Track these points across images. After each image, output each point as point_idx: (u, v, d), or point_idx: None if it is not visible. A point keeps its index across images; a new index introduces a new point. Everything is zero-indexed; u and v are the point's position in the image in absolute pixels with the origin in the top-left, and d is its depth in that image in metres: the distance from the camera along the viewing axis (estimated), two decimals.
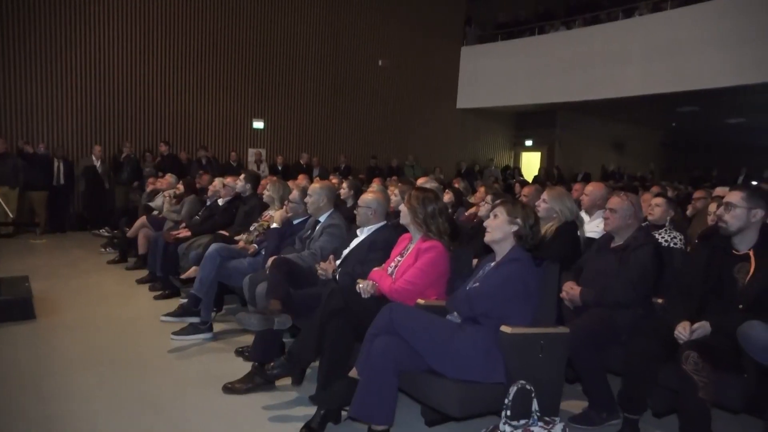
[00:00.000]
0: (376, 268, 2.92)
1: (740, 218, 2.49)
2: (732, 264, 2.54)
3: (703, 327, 2.39)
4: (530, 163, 16.89)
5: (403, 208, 2.95)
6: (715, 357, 2.27)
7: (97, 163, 9.44)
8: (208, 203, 5.72)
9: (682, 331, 2.40)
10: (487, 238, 2.53)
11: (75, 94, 9.86)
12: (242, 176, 5.28)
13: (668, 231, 3.80)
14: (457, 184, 6.95)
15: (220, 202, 5.49)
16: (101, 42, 10.01)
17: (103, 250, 7.19)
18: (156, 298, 4.93)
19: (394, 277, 2.81)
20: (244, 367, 3.21)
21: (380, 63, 13.65)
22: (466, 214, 5.32)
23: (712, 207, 3.72)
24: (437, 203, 2.92)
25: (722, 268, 2.55)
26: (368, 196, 3.42)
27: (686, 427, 2.31)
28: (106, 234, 7.55)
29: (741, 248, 2.55)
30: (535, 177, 13.93)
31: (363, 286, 2.78)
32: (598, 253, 3.09)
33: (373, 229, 3.33)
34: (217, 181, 5.71)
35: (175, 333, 3.86)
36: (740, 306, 2.41)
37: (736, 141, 19.06)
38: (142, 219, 6.28)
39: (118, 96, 10.31)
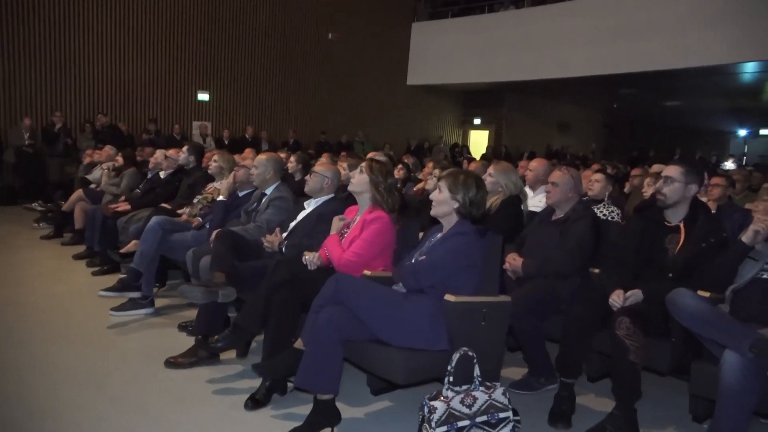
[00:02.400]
0: (332, 234, 2.89)
1: (677, 192, 2.62)
2: (664, 235, 2.67)
3: (635, 294, 2.51)
4: (478, 142, 17.15)
5: (359, 176, 2.87)
6: (645, 323, 2.39)
7: (26, 136, 8.88)
8: (149, 176, 5.53)
9: (616, 298, 2.52)
10: (433, 212, 2.56)
11: (3, 61, 9.23)
12: (185, 148, 5.11)
13: (606, 205, 3.94)
14: (407, 160, 6.99)
15: (162, 175, 5.30)
16: (32, 7, 9.38)
17: (36, 224, 6.83)
18: (94, 273, 4.74)
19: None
20: (187, 342, 3.15)
21: (330, 37, 13.43)
22: (415, 189, 5.36)
23: (647, 182, 3.89)
24: (393, 178, 2.96)
25: (655, 240, 2.68)
26: (327, 166, 3.38)
27: (618, 388, 2.43)
28: (39, 208, 7.17)
29: (673, 220, 2.68)
30: (483, 155, 14.15)
31: (309, 258, 2.76)
32: (539, 225, 3.18)
33: (320, 202, 3.30)
34: (159, 153, 5.51)
35: (114, 308, 3.73)
36: (670, 275, 2.55)
37: (672, 123, 19.93)
38: (79, 192, 6.00)
39: (51, 64, 9.72)
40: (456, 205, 2.48)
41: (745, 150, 19.31)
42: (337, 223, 2.92)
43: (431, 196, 2.59)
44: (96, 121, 9.80)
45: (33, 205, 7.32)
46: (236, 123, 12.21)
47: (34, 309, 3.81)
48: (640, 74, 11.65)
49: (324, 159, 4.72)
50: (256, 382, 2.66)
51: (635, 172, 5.63)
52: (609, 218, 3.80)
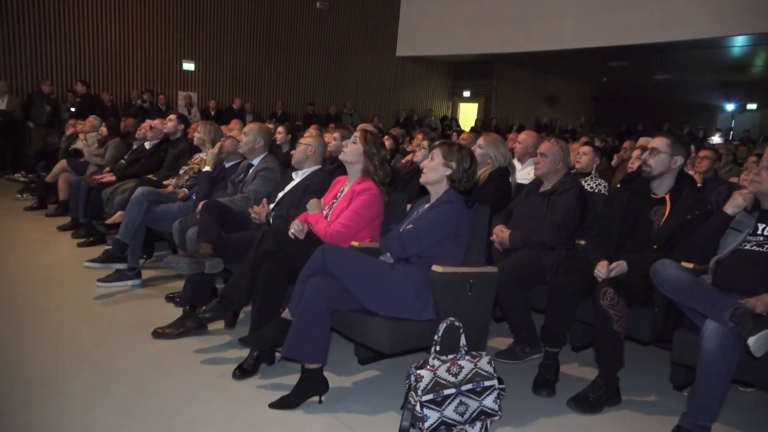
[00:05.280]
0: (312, 205, 2.88)
1: (663, 163, 2.62)
2: (649, 207, 2.69)
3: (620, 266, 2.53)
4: (467, 114, 17.03)
5: (353, 146, 2.85)
6: (629, 293, 2.42)
7: (3, 101, 8.58)
8: (135, 147, 5.45)
9: (601, 269, 2.53)
10: (423, 179, 2.56)
11: None
12: (173, 116, 5.00)
13: (594, 178, 3.96)
14: (394, 132, 6.96)
15: (147, 145, 5.23)
16: None
17: (19, 196, 6.74)
18: (80, 245, 4.70)
19: (328, 219, 2.79)
20: (175, 313, 3.15)
21: (318, 5, 13.16)
22: (403, 161, 5.34)
23: (634, 153, 3.90)
24: (386, 149, 2.94)
25: (640, 211, 2.70)
26: (311, 137, 3.41)
27: (601, 357, 2.48)
28: (22, 179, 7.06)
29: (658, 192, 2.69)
30: (472, 128, 14.08)
31: (295, 228, 2.75)
32: (527, 197, 3.19)
33: (308, 173, 3.28)
34: (147, 123, 5.43)
35: (100, 280, 3.71)
36: (654, 246, 2.57)
37: (661, 97, 19.89)
38: (62, 163, 5.91)
39: (33, 33, 9.44)
40: (449, 171, 2.48)
41: (732, 124, 19.36)
42: (316, 206, 2.87)
43: (422, 164, 2.58)
44: (75, 88, 9.55)
45: (15, 176, 7.21)
46: (223, 93, 12.01)
47: (18, 280, 3.77)
48: (629, 47, 11.58)
49: (312, 131, 4.68)
50: (243, 352, 2.67)
51: (626, 144, 5.65)
52: (596, 191, 3.82)
